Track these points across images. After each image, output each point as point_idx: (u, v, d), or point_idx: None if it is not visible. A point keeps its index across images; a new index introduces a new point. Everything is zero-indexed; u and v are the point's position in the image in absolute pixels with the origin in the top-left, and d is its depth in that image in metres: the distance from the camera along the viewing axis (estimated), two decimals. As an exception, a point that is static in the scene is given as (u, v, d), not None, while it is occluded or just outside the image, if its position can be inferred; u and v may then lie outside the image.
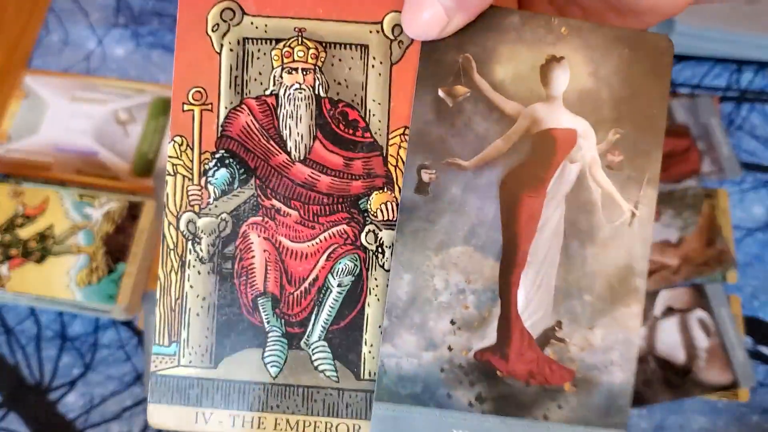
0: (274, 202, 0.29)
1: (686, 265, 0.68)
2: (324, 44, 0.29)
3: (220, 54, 0.29)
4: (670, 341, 0.65)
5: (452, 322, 0.28)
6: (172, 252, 0.29)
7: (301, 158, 0.29)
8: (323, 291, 0.29)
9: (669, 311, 0.66)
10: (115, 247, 0.65)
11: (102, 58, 0.78)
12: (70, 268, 0.63)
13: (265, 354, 0.29)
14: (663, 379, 0.63)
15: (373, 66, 0.29)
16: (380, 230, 0.29)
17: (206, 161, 0.29)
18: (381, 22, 0.29)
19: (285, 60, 0.29)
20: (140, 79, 0.77)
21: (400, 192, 0.29)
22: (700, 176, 0.73)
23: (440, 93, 0.29)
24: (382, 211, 0.29)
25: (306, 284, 0.29)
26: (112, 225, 0.66)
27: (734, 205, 0.72)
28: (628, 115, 0.29)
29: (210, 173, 0.29)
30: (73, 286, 0.63)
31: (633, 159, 0.29)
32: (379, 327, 0.29)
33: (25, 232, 0.65)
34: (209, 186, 0.29)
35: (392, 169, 0.29)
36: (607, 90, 0.29)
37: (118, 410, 0.62)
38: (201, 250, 0.29)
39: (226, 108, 0.29)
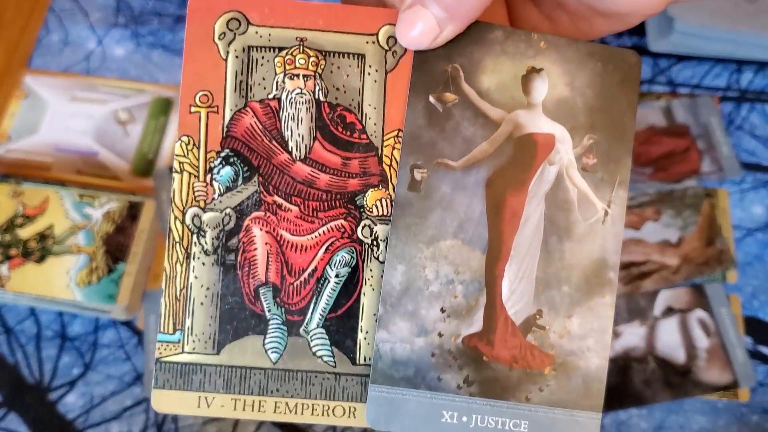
0: (276, 198, 0.34)
1: (686, 265, 0.72)
2: (324, 53, 0.34)
3: (226, 60, 0.34)
4: (670, 341, 0.69)
5: (442, 310, 0.34)
6: (177, 245, 0.34)
7: (302, 157, 0.34)
8: (321, 281, 0.34)
9: (669, 311, 0.70)
10: (115, 247, 0.69)
11: (102, 58, 0.83)
12: (70, 268, 0.68)
13: (266, 341, 0.34)
14: (663, 379, 0.67)
15: (369, 74, 0.34)
16: (375, 225, 0.34)
17: (212, 159, 0.34)
18: (376, 34, 0.34)
19: (287, 67, 0.34)
20: (140, 79, 0.81)
21: (394, 189, 0.34)
22: (700, 176, 0.77)
23: (431, 99, 0.34)
24: (377, 207, 0.34)
25: (305, 275, 0.34)
26: (112, 225, 0.70)
27: (734, 205, 0.76)
28: (601, 123, 0.35)
29: (215, 171, 0.34)
30: (73, 286, 0.67)
31: (606, 163, 0.35)
32: (374, 315, 0.34)
33: (25, 232, 0.69)
34: (214, 183, 0.34)
35: (387, 168, 0.34)
36: (582, 99, 0.35)
37: (118, 410, 0.67)
38: (206, 242, 0.34)
39: (231, 110, 0.34)
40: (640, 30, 0.84)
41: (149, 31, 0.85)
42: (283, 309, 0.34)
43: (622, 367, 0.68)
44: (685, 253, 0.73)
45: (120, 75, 0.82)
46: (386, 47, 0.34)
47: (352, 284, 0.34)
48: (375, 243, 0.34)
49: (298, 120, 0.34)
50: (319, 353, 0.34)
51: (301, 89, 0.34)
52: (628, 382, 0.67)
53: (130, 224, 0.70)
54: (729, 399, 0.68)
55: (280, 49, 0.34)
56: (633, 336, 0.69)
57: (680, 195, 0.75)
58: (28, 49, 0.83)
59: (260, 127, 0.34)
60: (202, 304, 0.34)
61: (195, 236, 0.34)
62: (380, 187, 0.34)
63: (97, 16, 0.86)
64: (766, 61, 0.82)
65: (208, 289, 0.34)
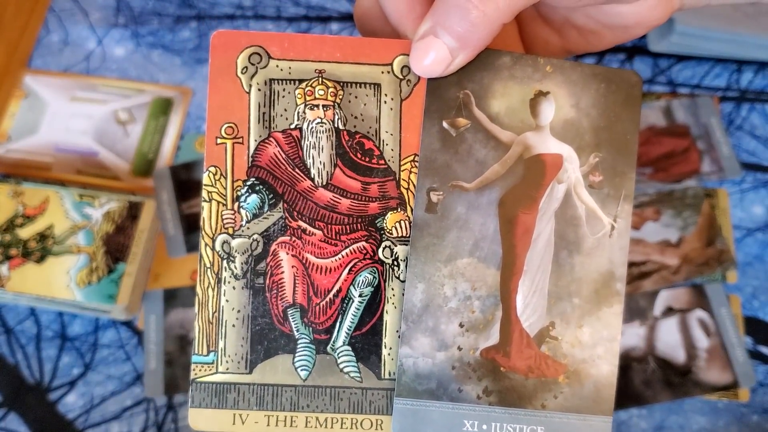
0: (301, 223, 0.38)
1: (686, 265, 0.74)
2: (342, 83, 0.38)
3: (249, 93, 0.38)
4: (670, 341, 0.71)
5: (461, 325, 0.37)
6: (209, 270, 0.38)
7: (324, 184, 0.38)
8: (346, 301, 0.38)
9: (669, 311, 0.73)
10: (115, 247, 0.71)
11: (102, 58, 0.86)
12: (70, 268, 0.70)
13: (296, 359, 0.38)
14: (663, 379, 0.70)
15: (385, 102, 0.38)
16: (395, 246, 0.38)
17: (238, 188, 0.38)
18: (391, 64, 0.38)
19: (307, 98, 0.38)
20: (140, 79, 0.84)
21: (412, 211, 0.38)
22: (700, 176, 0.79)
23: (444, 125, 0.38)
24: (396, 228, 0.38)
25: (330, 295, 0.38)
26: (112, 225, 0.72)
27: (734, 205, 0.79)
28: (606, 141, 0.38)
29: (242, 199, 0.38)
30: (73, 286, 0.69)
31: (611, 179, 0.38)
32: (397, 331, 0.38)
33: (25, 232, 0.71)
34: (242, 210, 0.38)
35: (404, 191, 0.38)
36: (587, 119, 0.38)
37: (118, 410, 0.69)
38: (235, 267, 0.38)
39: (255, 141, 0.38)
40: (640, 30, 0.86)
41: (149, 31, 0.87)
42: (310, 328, 0.38)
43: (622, 367, 0.69)
44: (685, 253, 0.75)
45: (120, 75, 0.84)
46: (401, 76, 0.38)
47: (375, 303, 0.38)
48: (395, 263, 0.38)
49: (319, 148, 0.38)
50: (346, 369, 0.38)
51: (321, 119, 0.38)
52: (628, 382, 0.69)
53: (130, 224, 0.72)
54: (729, 399, 0.70)
55: (300, 81, 0.38)
56: (633, 336, 0.71)
57: (680, 195, 0.78)
58: (28, 49, 0.86)
59: (283, 155, 0.38)
60: (233, 326, 0.38)
61: (225, 262, 0.38)
62: (399, 210, 0.38)
63: (97, 16, 0.88)
64: (766, 61, 0.85)
65: (238, 311, 0.38)
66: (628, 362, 0.70)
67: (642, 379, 0.70)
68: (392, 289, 0.38)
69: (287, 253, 0.38)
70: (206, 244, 0.37)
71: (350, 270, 0.38)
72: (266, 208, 0.38)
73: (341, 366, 0.38)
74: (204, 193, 0.38)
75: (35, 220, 0.72)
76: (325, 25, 0.89)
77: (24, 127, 0.81)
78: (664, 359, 0.71)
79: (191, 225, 0.76)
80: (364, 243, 0.38)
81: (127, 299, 0.70)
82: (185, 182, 0.77)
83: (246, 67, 0.38)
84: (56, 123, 0.81)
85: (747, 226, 0.78)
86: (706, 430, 0.69)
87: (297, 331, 0.38)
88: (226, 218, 0.38)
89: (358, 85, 0.38)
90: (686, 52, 0.85)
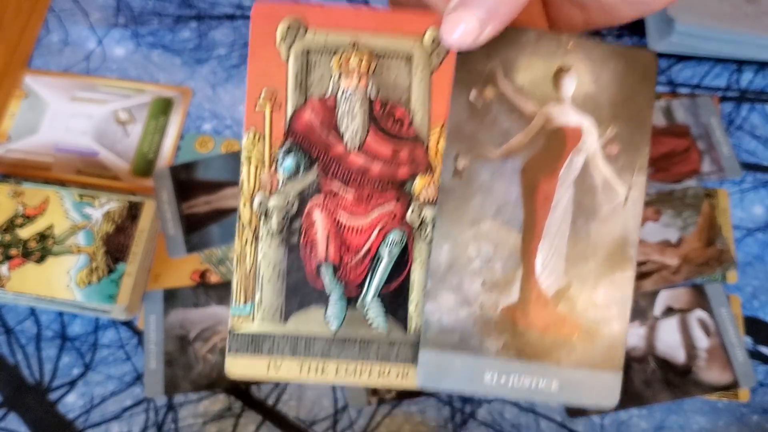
0: (334, 186, 0.43)
1: (686, 265, 0.77)
2: (375, 54, 0.43)
3: (287, 62, 0.42)
4: (670, 341, 0.74)
5: (483, 284, 0.42)
6: (246, 228, 0.42)
7: (356, 149, 0.43)
8: (376, 259, 0.43)
9: (669, 311, 0.76)
10: (115, 247, 0.73)
11: (102, 58, 0.89)
12: (70, 268, 0.72)
13: (327, 312, 0.42)
14: (663, 379, 0.73)
15: (416, 73, 0.43)
16: (423, 209, 0.43)
17: (276, 151, 0.42)
18: (422, 36, 0.42)
19: (342, 67, 0.43)
20: (140, 79, 0.87)
21: (439, 177, 0.43)
22: (700, 176, 0.82)
23: (472, 95, 0.43)
24: (424, 192, 0.43)
25: (361, 254, 0.43)
26: (112, 225, 0.74)
27: (734, 205, 0.82)
28: (623, 115, 0.43)
29: (279, 161, 0.42)
30: (73, 286, 0.71)
31: (626, 151, 0.43)
32: (424, 288, 0.42)
33: (25, 232, 0.73)
34: (278, 172, 0.42)
35: (433, 158, 0.43)
36: (606, 94, 0.43)
37: (118, 410, 0.72)
38: (271, 225, 0.42)
39: (292, 107, 0.42)
40: (640, 30, 0.90)
41: (149, 31, 0.90)
42: (342, 284, 0.42)
43: (621, 367, 0.74)
44: (685, 253, 0.78)
45: (120, 75, 0.87)
46: (431, 48, 0.42)
47: (402, 262, 0.42)
48: (423, 225, 0.42)
49: (352, 115, 0.42)
50: (374, 323, 0.42)
51: (355, 87, 0.43)
52: (628, 382, 0.71)
53: (130, 224, 0.74)
54: (729, 399, 0.72)
55: (336, 50, 0.42)
56: (633, 336, 0.74)
57: (680, 195, 0.81)
58: (28, 49, 0.88)
59: (318, 122, 0.43)
60: (269, 279, 0.42)
61: (262, 220, 0.42)
62: (427, 175, 0.43)
63: (97, 16, 0.91)
64: (766, 61, 0.88)
65: (274, 266, 0.42)
66: (628, 362, 0.73)
67: (642, 379, 0.73)
68: (419, 249, 0.43)
69: (321, 213, 0.43)
70: (245, 203, 0.42)
71: (380, 230, 0.43)
72: (302, 170, 0.42)
73: (370, 320, 0.42)
74: (243, 155, 0.42)
75: (35, 220, 0.74)
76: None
77: (24, 127, 0.83)
78: (664, 359, 0.74)
79: (191, 225, 0.78)
80: (393, 205, 0.43)
81: (127, 299, 0.72)
82: (185, 182, 0.80)
83: (285, 37, 0.42)
84: (56, 123, 0.83)
85: (747, 226, 0.81)
86: (706, 430, 0.71)
87: (329, 286, 0.42)
88: (264, 179, 0.42)
89: (391, 56, 0.43)
90: (686, 52, 0.88)
